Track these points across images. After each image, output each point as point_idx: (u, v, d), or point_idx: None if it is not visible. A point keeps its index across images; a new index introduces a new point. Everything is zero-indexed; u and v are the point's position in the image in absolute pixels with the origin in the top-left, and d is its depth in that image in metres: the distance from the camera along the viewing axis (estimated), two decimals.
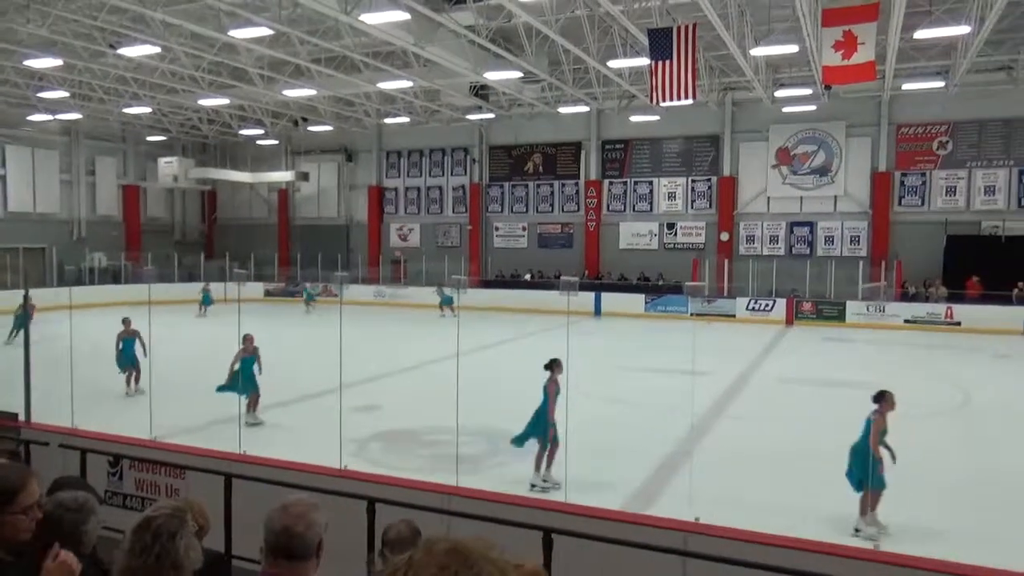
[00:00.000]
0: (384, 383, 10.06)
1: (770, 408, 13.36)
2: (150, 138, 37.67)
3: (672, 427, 8.58)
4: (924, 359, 19.20)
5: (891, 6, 16.91)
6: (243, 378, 11.39)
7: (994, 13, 16.94)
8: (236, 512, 5.52)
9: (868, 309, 25.86)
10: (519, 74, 24.42)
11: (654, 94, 18.49)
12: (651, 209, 32.43)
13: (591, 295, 29.48)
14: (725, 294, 28.83)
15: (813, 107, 28.13)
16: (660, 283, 30.37)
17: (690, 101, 19.05)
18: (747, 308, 27.36)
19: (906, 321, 25.03)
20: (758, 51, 21.56)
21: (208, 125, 35.83)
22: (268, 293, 34.27)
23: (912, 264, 27.32)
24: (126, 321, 13.94)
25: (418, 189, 37.26)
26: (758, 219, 30.76)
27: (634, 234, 32.69)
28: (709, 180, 31.45)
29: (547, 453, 8.52)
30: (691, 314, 27.70)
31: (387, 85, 26.05)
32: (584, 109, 30.56)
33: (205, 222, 42.35)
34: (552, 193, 34.44)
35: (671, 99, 18.28)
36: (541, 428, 8.51)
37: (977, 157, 27.44)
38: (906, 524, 7.52)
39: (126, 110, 30.95)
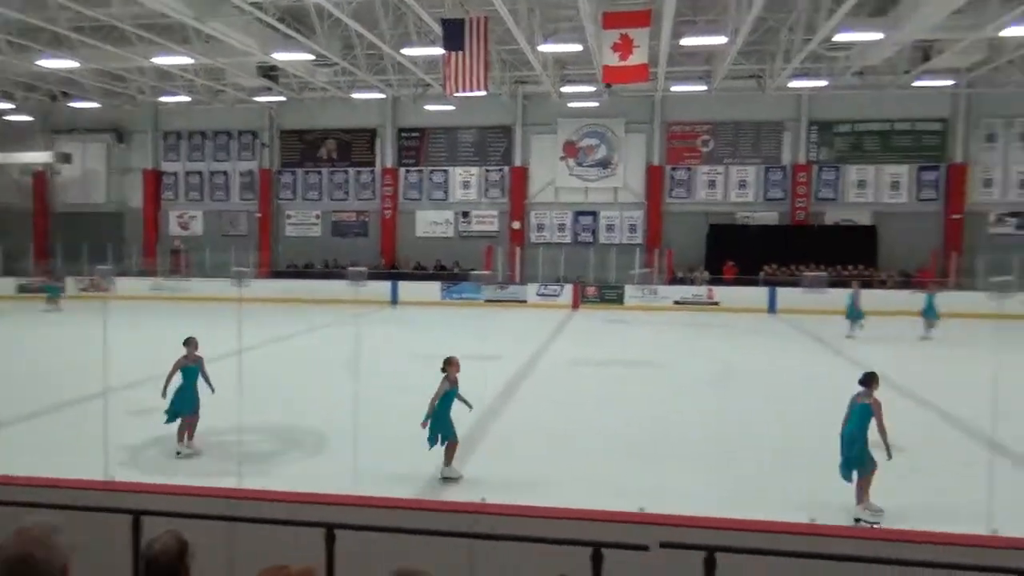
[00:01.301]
0: (162, 384, 9.33)
1: (559, 388, 14.12)
2: None
3: (464, 412, 8.79)
4: (690, 336, 21.25)
5: (662, 14, 18.42)
6: (182, 393, 9.38)
7: (746, 27, 19.05)
8: None
9: (643, 292, 28.14)
10: (310, 56, 23.57)
11: (448, 84, 18.72)
12: (447, 197, 32.82)
13: (387, 284, 29.31)
14: (517, 280, 29.95)
15: (596, 103, 29.98)
16: (456, 271, 30.89)
17: (483, 92, 19.51)
18: (537, 294, 28.65)
19: (675, 302, 27.58)
20: (546, 48, 22.53)
21: None
22: (23, 289, 30.30)
23: (681, 251, 30.12)
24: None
25: (201, 174, 34.75)
26: (547, 208, 32.25)
27: (430, 222, 32.92)
28: (502, 170, 32.42)
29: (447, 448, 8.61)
30: (485, 300, 28.49)
31: (163, 60, 23.96)
32: (379, 96, 30.18)
33: None
34: (347, 180, 33.70)
35: (464, 90, 18.61)
36: (442, 426, 8.55)
37: (733, 155, 30.79)
38: (661, 485, 8.28)
39: None
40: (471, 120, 32.06)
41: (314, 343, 19.77)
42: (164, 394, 9.32)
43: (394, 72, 27.35)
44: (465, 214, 32.73)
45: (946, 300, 21.32)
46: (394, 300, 28.95)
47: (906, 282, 27.27)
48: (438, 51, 19.89)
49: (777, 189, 30.55)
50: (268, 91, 29.69)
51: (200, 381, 9.53)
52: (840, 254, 28.17)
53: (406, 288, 29.25)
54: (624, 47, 17.69)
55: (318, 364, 15.88)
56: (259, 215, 34.03)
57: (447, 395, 8.64)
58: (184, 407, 9.34)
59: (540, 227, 32.31)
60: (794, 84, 26.78)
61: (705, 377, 15.23)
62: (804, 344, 19.76)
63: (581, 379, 15.00)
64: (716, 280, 28.10)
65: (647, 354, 17.86)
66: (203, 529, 3.62)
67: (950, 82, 27.37)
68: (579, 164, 31.78)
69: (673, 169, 31.28)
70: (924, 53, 24.31)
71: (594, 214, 31.97)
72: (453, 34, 17.77)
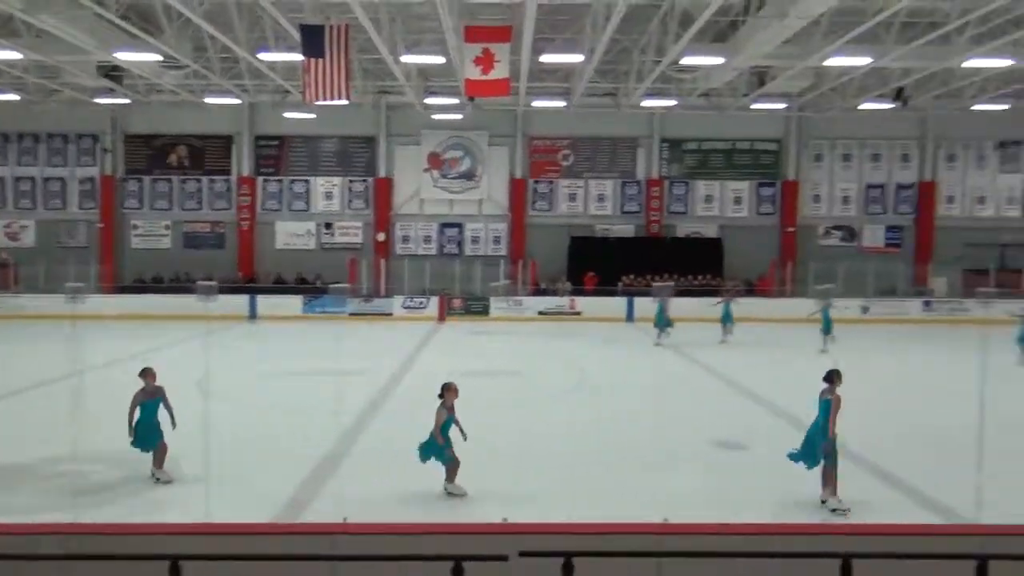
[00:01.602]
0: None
1: (425, 401, 14.03)
2: None
3: (327, 429, 8.56)
4: (553, 346, 21.76)
5: (522, 30, 18.86)
6: (144, 428, 8.76)
7: (601, 47, 19.88)
8: None
9: (508, 304, 28.55)
10: (157, 57, 22.22)
11: (308, 91, 18.21)
12: (308, 208, 31.91)
13: (245, 298, 28.05)
14: (382, 293, 29.55)
15: (460, 116, 30.18)
16: (318, 284, 30.05)
17: (345, 101, 19.16)
18: (403, 306, 28.38)
19: (540, 313, 28.18)
20: (408, 58, 22.49)
21: None
22: None
23: (544, 262, 30.85)
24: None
25: (33, 180, 31.85)
26: (413, 220, 32.08)
27: (291, 234, 31.87)
28: (366, 181, 31.94)
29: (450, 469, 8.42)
30: (349, 314, 27.90)
31: None
32: (235, 101, 28.93)
33: None
34: (200, 189, 32.00)
35: (325, 98, 18.17)
36: (438, 452, 8.37)
37: (592, 169, 31.95)
38: (525, 493, 8.44)
39: None
40: (333, 129, 31.39)
41: (162, 363, 18.55)
42: (131, 433, 8.73)
43: (251, 77, 26.31)
44: (328, 225, 31.95)
45: (781, 306, 23.10)
46: (252, 315, 27.74)
47: (750, 290, 29.35)
48: (297, 57, 19.34)
49: (633, 203, 32.00)
50: (111, 92, 27.68)
51: (162, 412, 8.89)
52: (691, 264, 29.85)
53: (265, 302, 28.09)
54: (486, 61, 17.95)
55: (166, 385, 14.93)
56: (101, 225, 31.60)
57: (446, 423, 8.43)
58: (150, 442, 8.80)
59: (405, 239, 32.08)
60: (646, 103, 28.20)
61: (566, 385, 15.66)
62: (657, 351, 20.72)
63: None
64: (578, 291, 28.98)
65: (511, 364, 18.14)
66: (35, 571, 3.31)
67: (783, 105, 29.79)
68: (444, 176, 31.86)
69: (536, 182, 32.03)
70: (760, 78, 26.29)
71: (459, 226, 32.14)
72: (312, 41, 17.34)
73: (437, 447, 8.36)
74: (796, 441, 10.25)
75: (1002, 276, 29.62)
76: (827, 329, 19.80)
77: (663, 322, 21.13)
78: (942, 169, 32.08)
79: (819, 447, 7.84)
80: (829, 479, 7.87)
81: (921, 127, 31.57)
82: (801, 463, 8.05)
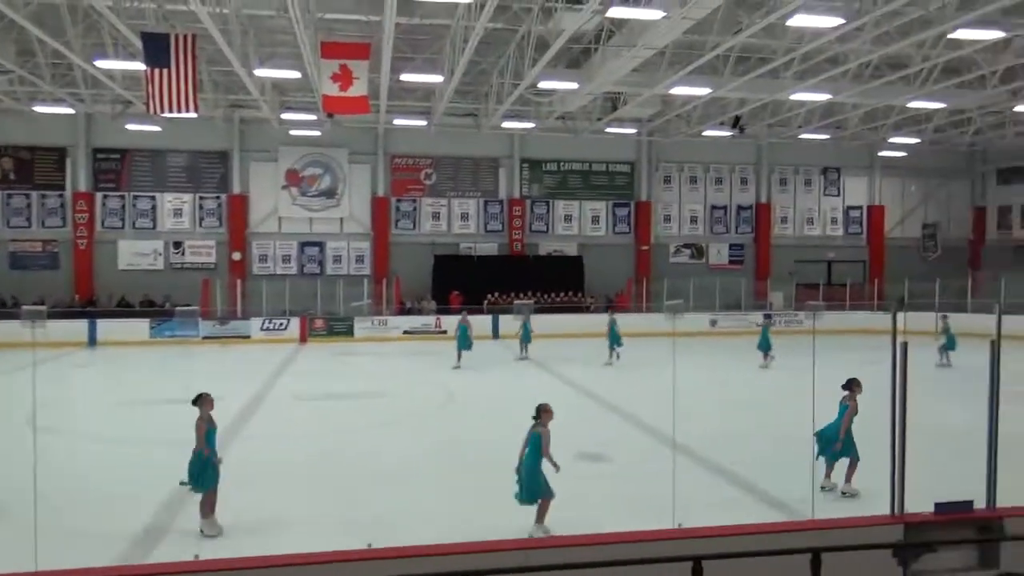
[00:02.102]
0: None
1: (285, 426, 13.51)
2: None
3: (181, 460, 8.01)
4: (418, 365, 21.60)
5: (381, 48, 18.76)
6: (206, 463, 7.69)
7: (460, 68, 20.12)
8: None
9: (373, 324, 28.09)
10: None
11: (151, 103, 17.22)
12: (155, 226, 30.02)
13: (83, 323, 25.87)
14: (239, 315, 28.21)
15: (319, 132, 29.55)
16: (167, 306, 28.24)
17: (193, 114, 18.26)
18: (261, 328, 27.23)
19: (405, 332, 27.91)
20: (262, 72, 21.77)
21: None
22: None
23: (408, 281, 30.64)
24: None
25: None
26: (270, 238, 30.94)
27: (135, 253, 29.84)
28: (219, 198, 30.50)
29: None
30: (203, 338, 26.43)
31: None
32: (69, 111, 26.81)
33: None
34: (29, 205, 29.35)
35: (171, 110, 17.26)
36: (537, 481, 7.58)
37: (454, 188, 32.18)
38: (391, 516, 8.33)
39: None
40: (182, 143, 29.77)
41: None
42: (213, 461, 7.77)
43: (87, 86, 24.46)
44: (177, 244, 30.17)
45: (636, 321, 24.18)
46: (92, 341, 25.62)
47: (608, 306, 30.49)
48: (139, 66, 18.22)
49: (496, 221, 32.49)
50: None
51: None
52: (553, 282, 30.66)
53: (107, 327, 26.02)
54: (344, 78, 17.71)
55: None
56: None
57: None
58: (209, 480, 7.74)
59: (263, 258, 30.86)
60: (506, 124, 28.81)
61: (432, 404, 15.58)
62: (522, 367, 21.06)
63: (308, 415, 14.52)
64: (443, 309, 28.96)
65: (376, 385, 17.83)
66: None
67: (634, 130, 31.41)
68: (303, 194, 30.99)
69: (399, 201, 31.82)
70: (613, 103, 27.58)
71: (320, 245, 31.33)
72: (156, 50, 16.42)
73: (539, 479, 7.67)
74: (656, 450, 10.71)
75: (829, 290, 32.56)
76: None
77: (527, 338, 21.66)
78: (776, 192, 34.92)
79: (833, 446, 8.74)
80: (850, 470, 8.80)
81: (757, 153, 34.26)
82: (821, 458, 8.84)
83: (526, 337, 21.95)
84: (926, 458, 6.31)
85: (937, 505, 5.11)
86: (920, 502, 5.27)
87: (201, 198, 30.38)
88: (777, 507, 8.49)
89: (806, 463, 7.68)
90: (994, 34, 18.09)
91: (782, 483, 8.75)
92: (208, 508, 7.80)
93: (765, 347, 20.44)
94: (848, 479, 8.82)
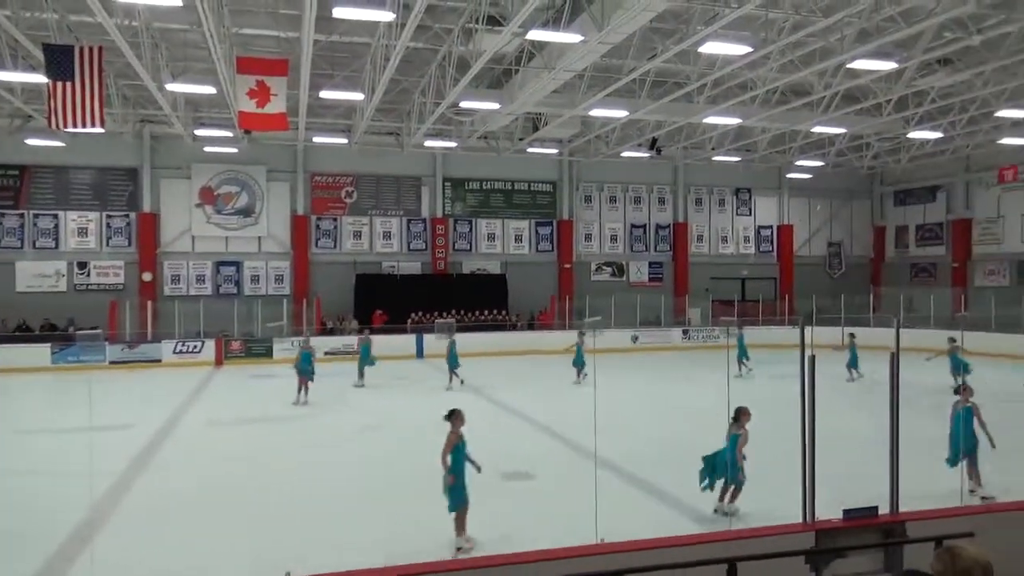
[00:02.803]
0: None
1: (198, 454, 12.98)
2: None
3: (84, 492, 7.56)
4: (339, 387, 21.09)
5: (300, 65, 18.48)
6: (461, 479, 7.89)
7: (381, 87, 20.01)
8: None
9: (293, 344, 27.29)
10: None
11: (53, 117, 16.40)
12: (57, 246, 28.52)
13: None
14: (149, 338, 27.02)
15: (235, 150, 28.79)
16: (71, 330, 26.79)
17: (99, 129, 17.47)
18: (174, 351, 26.15)
19: (326, 353, 27.21)
20: (174, 87, 21.11)
21: None
22: None
23: (329, 301, 30.06)
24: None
25: None
26: (183, 258, 29.86)
27: (36, 275, 28.25)
28: (128, 216, 29.26)
29: None
30: (110, 363, 25.17)
31: None
32: None
33: None
34: None
35: (75, 125, 16.48)
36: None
37: (377, 206, 31.87)
38: (310, 546, 8.09)
39: None
40: (88, 159, 28.47)
41: None
42: (453, 474, 7.89)
43: None
44: (82, 265, 28.73)
45: (560, 338, 24.44)
46: None
47: (531, 324, 30.73)
48: (40, 79, 17.36)
49: (419, 240, 32.32)
50: None
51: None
52: (478, 300, 30.63)
53: (4, 354, 24.44)
54: (261, 94, 17.34)
55: None
56: None
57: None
58: (464, 498, 7.91)
59: (176, 279, 29.72)
60: (428, 143, 28.82)
61: (354, 426, 15.27)
62: (444, 386, 20.90)
63: (222, 441, 13.99)
64: (366, 329, 28.47)
65: (294, 410, 17.35)
66: None
67: (555, 150, 31.91)
68: (218, 212, 30.07)
69: (319, 219, 31.27)
70: (534, 124, 27.98)
71: (237, 264, 30.42)
72: (59, 62, 15.68)
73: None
74: (579, 467, 10.80)
75: (743, 306, 33.73)
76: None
77: (453, 363, 20.40)
78: (692, 211, 36.04)
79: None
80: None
81: (674, 174, 35.31)
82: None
83: (453, 362, 20.38)
84: (835, 466, 6.58)
85: (845, 512, 5.31)
86: (832, 509, 5.47)
87: (108, 216, 29.08)
88: (698, 520, 8.67)
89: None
90: (888, 65, 19.27)
91: (703, 496, 8.94)
92: (460, 526, 7.94)
93: (741, 356, 21.55)
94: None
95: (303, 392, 18.03)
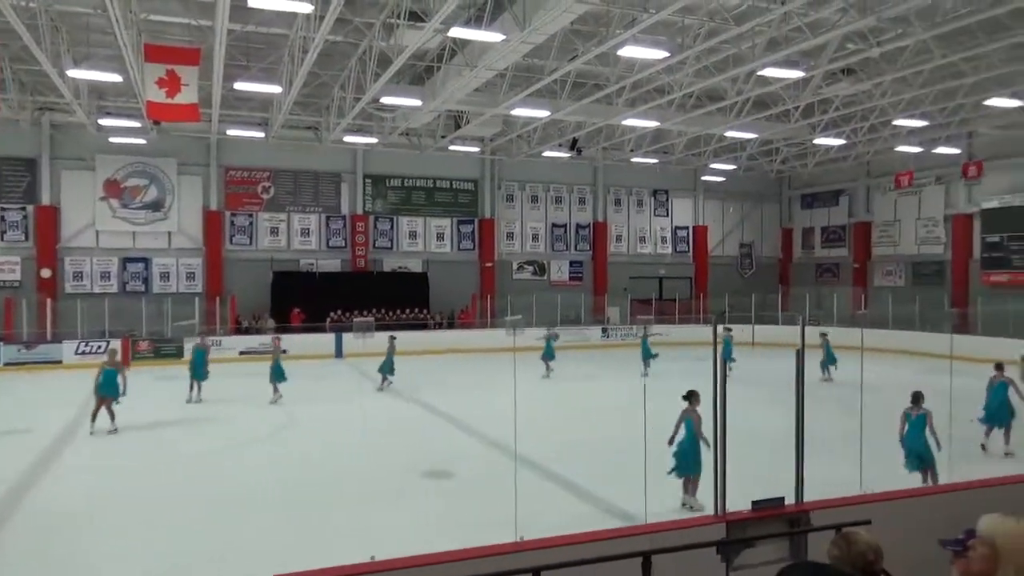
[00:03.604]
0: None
1: (102, 459, 12.38)
2: None
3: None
4: (254, 387, 20.50)
5: (213, 55, 17.82)
6: (690, 451, 9.22)
7: (299, 80, 19.52)
8: None
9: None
10: None
11: None
12: None
13: None
14: (49, 338, 25.57)
15: (143, 141, 27.54)
16: None
17: None
18: (76, 352, 24.82)
19: (241, 353, 26.46)
20: (76, 73, 20.01)
21: None
22: None
23: (245, 299, 29.15)
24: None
25: None
26: (87, 254, 28.38)
27: None
28: (24, 209, 27.60)
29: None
30: (4, 364, 23.69)
31: None
32: None
33: None
34: None
35: None
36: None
37: (295, 203, 31.10)
38: (225, 550, 7.84)
39: None
40: None
41: None
42: (671, 442, 9.06)
43: None
44: None
45: (480, 338, 24.47)
46: None
47: (451, 323, 30.65)
48: None
49: (338, 237, 31.73)
50: None
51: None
52: (399, 299, 30.28)
53: None
54: (171, 84, 16.67)
55: None
56: None
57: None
58: (693, 466, 9.04)
59: (78, 275, 28.22)
60: (348, 139, 28.29)
61: (269, 428, 14.88)
62: (364, 386, 20.60)
63: (127, 445, 13.39)
64: (283, 328, 27.78)
65: (206, 411, 16.75)
66: None
67: (477, 149, 31.90)
68: (125, 206, 28.71)
69: (234, 215, 30.29)
70: (456, 122, 27.88)
71: (146, 261, 29.13)
72: None
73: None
74: (500, 466, 10.86)
75: (661, 305, 34.57)
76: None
77: (388, 368, 19.54)
78: (611, 212, 36.69)
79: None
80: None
81: (594, 174, 35.86)
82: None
83: (388, 367, 19.53)
84: (747, 459, 6.81)
85: (754, 503, 5.50)
86: (741, 501, 5.67)
87: (3, 209, 27.36)
88: (617, 515, 8.83)
89: (640, 471, 8.06)
90: (795, 73, 20.13)
91: (619, 492, 9.12)
92: (693, 489, 9.11)
93: (727, 356, 21.79)
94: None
95: (195, 391, 17.84)
